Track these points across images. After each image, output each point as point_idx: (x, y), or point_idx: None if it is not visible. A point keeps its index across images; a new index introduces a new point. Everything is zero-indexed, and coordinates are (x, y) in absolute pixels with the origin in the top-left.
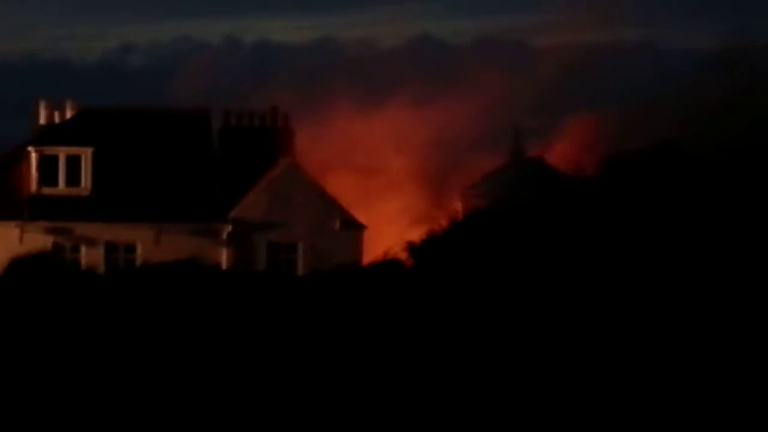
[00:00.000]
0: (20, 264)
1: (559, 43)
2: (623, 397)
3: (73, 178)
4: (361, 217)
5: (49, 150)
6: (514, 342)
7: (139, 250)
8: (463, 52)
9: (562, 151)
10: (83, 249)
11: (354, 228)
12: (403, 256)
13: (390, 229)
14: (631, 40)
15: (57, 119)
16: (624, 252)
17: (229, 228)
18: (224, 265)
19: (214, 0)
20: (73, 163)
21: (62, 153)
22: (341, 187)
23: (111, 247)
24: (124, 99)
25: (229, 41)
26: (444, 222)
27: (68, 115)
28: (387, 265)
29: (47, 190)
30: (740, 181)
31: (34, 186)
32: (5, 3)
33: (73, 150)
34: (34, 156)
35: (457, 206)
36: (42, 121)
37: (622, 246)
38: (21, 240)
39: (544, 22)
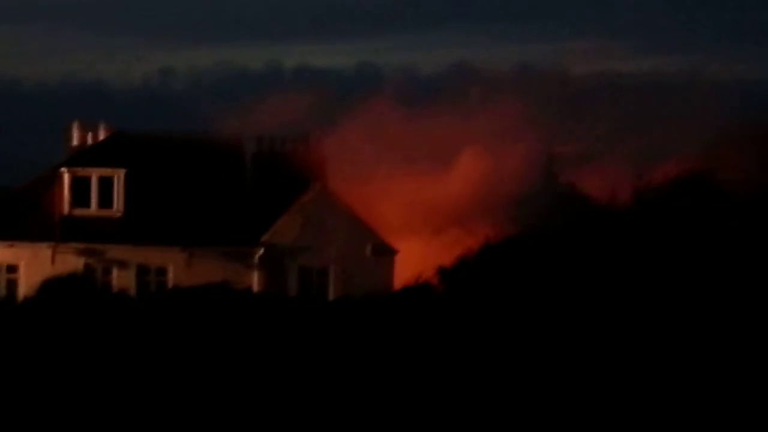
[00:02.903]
0: (52, 285)
1: (598, 71)
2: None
3: (105, 200)
4: (393, 241)
5: (82, 171)
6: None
7: (171, 274)
8: (502, 79)
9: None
10: (115, 271)
11: (386, 253)
12: (434, 281)
13: (422, 253)
14: (671, 69)
15: (90, 141)
16: (653, 282)
17: (261, 252)
18: (255, 289)
19: (253, 25)
20: (106, 184)
21: (95, 174)
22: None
23: (142, 270)
24: (163, 123)
25: (270, 66)
26: (475, 247)
27: (101, 137)
28: (418, 291)
29: (79, 212)
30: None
31: (66, 207)
32: (43, 26)
33: (106, 171)
34: (66, 177)
35: (488, 232)
36: (75, 142)
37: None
38: (53, 261)
39: (584, 49)
